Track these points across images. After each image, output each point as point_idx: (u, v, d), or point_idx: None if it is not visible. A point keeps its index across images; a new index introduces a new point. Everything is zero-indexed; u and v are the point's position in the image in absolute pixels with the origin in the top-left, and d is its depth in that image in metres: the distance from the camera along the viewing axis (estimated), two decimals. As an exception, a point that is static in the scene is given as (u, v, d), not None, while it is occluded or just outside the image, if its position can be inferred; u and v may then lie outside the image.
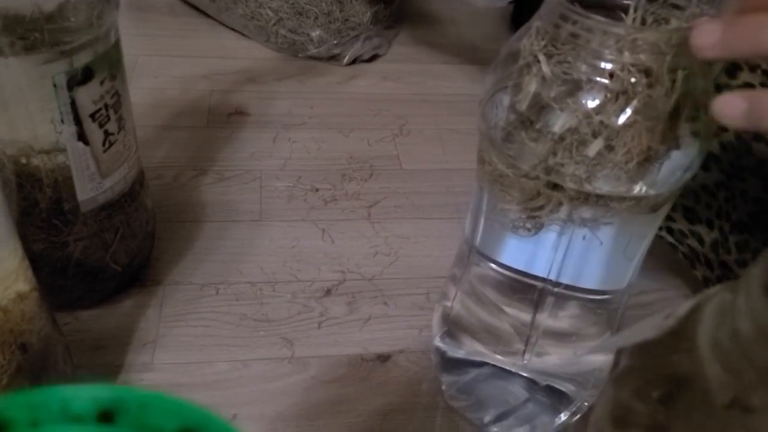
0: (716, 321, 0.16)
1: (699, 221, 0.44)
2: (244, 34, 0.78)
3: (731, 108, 0.25)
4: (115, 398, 0.11)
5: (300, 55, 0.76)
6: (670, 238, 0.47)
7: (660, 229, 0.48)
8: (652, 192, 0.31)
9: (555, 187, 0.31)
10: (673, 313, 0.17)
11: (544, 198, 0.32)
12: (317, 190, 0.58)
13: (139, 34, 0.76)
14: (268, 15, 0.74)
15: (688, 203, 0.45)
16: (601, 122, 0.29)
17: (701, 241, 0.44)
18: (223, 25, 0.80)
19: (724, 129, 0.41)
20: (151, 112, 0.64)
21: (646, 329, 0.18)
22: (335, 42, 0.74)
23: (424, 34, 0.84)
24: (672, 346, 0.17)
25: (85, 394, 0.11)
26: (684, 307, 0.17)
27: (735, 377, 0.15)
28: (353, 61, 0.76)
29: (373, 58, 0.77)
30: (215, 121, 0.65)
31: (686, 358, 0.16)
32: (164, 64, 0.72)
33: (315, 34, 0.74)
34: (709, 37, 0.25)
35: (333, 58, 0.75)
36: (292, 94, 0.70)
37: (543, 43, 0.30)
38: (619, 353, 0.27)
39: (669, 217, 0.47)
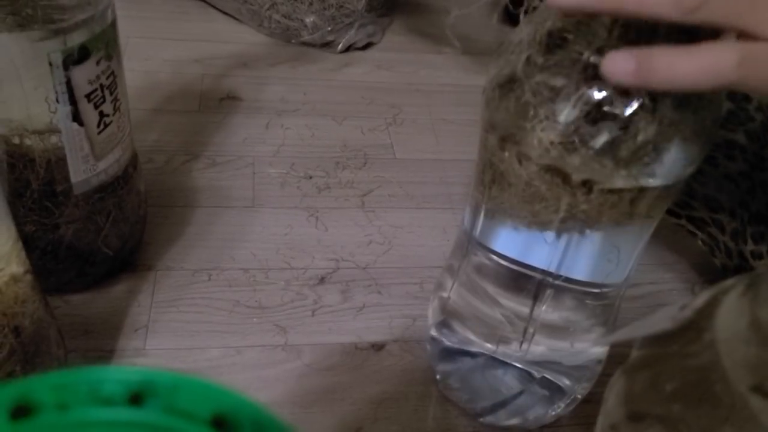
0: (736, 311, 0.16)
1: (722, 209, 0.44)
2: (236, 18, 0.77)
3: (620, 66, 0.24)
4: (145, 381, 0.10)
5: (293, 41, 0.75)
6: (690, 226, 0.47)
7: (680, 218, 0.48)
8: (656, 183, 0.31)
9: (557, 179, 0.31)
10: (689, 305, 0.17)
11: (545, 192, 0.32)
12: (311, 177, 0.57)
13: (131, 16, 0.75)
14: (262, -1, 0.73)
15: (710, 192, 0.45)
16: (608, 113, 0.29)
17: (722, 229, 0.44)
18: (216, 8, 0.79)
19: (750, 119, 0.40)
20: (142, 95, 0.63)
21: (660, 321, 0.18)
22: (329, 29, 0.74)
23: (417, 22, 0.83)
24: (688, 338, 0.17)
25: (114, 376, 0.10)
26: (700, 298, 0.17)
27: (756, 366, 0.15)
28: (347, 49, 0.75)
29: (366, 46, 0.77)
30: (207, 105, 0.64)
31: (703, 349, 0.16)
32: (155, 47, 0.71)
33: (309, 20, 0.73)
34: None
35: (326, 45, 0.75)
36: (285, 80, 0.69)
37: (539, 31, 0.30)
38: (619, 345, 0.27)
39: (690, 206, 0.47)
